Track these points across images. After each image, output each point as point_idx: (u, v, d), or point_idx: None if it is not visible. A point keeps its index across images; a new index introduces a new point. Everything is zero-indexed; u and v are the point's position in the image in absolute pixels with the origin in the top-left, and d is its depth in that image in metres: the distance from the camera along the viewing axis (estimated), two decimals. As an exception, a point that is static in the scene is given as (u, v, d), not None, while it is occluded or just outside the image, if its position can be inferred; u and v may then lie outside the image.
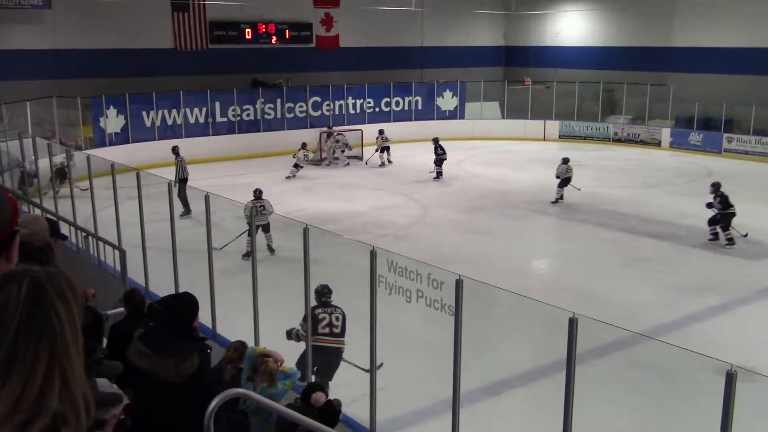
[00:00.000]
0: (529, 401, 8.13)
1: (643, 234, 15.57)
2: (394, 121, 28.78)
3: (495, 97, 31.55)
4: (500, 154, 25.90)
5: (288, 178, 21.51)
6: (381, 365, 7.06)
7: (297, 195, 19.30)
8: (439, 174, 21.37)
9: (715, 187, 15.04)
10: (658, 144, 27.75)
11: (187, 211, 15.53)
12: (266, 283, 8.31)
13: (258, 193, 14.11)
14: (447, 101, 30.35)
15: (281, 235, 13.70)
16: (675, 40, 29.64)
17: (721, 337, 9.97)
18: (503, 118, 30.63)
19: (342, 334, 7.72)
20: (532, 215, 17.45)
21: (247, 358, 5.59)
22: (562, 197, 18.40)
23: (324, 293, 7.86)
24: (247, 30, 28.26)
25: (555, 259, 14.82)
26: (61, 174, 15.66)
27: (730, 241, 14.54)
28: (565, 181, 18.53)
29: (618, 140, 28.74)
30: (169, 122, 24.31)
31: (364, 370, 7.11)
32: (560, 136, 29.61)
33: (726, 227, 14.61)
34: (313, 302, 7.58)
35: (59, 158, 15.98)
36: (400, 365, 8.33)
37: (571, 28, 34.01)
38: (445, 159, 21.41)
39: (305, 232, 7.04)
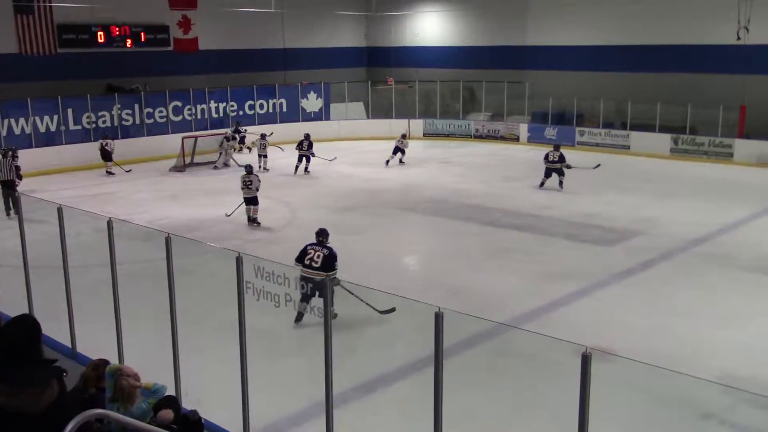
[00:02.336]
0: (402, 396, 8.20)
1: (506, 226, 16.14)
2: (259, 123, 28.42)
3: (359, 98, 31.84)
4: (367, 153, 26.12)
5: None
6: (393, 309, 9.51)
7: (161, 203, 18.66)
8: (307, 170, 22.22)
9: (556, 146, 20.68)
10: (516, 139, 28.92)
11: (7, 213, 15.95)
12: (130, 297, 7.96)
13: (248, 169, 16.39)
14: (312, 103, 30.30)
15: (145, 245, 13.15)
16: (528, 39, 31.01)
17: (581, 321, 10.48)
18: (368, 118, 30.97)
19: (321, 268, 9.69)
20: (401, 213, 17.70)
21: (108, 376, 5.30)
22: (388, 162, 23.41)
23: (320, 234, 10.28)
24: (99, 33, 27.01)
25: (424, 255, 15.08)
26: None
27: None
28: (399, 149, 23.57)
29: (479, 137, 29.74)
30: (17, 131, 22.80)
31: (378, 311, 9.61)
32: (424, 134, 30.26)
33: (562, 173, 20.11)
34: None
35: None
36: (272, 370, 8.22)
37: (430, 29, 34.83)
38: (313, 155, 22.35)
39: (167, 241, 6.80)
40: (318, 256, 9.86)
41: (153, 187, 20.64)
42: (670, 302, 11.28)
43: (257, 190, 15.91)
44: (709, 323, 10.46)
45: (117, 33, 27.52)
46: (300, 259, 9.90)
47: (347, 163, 24.60)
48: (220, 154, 23.99)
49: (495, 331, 9.22)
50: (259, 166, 22.66)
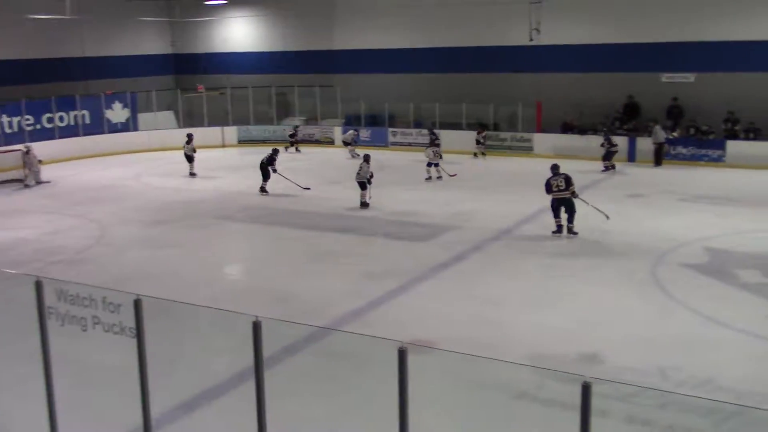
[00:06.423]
0: (227, 410, 7.99)
1: (327, 229, 16.23)
2: (60, 137, 26.69)
3: (169, 107, 30.79)
4: (180, 164, 25.23)
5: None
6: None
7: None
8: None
9: (605, 131, 24.07)
10: (332, 142, 29.25)
11: None
12: None
13: (365, 158, 18.75)
14: (117, 113, 28.85)
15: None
16: (336, 43, 31.44)
17: (401, 316, 10.74)
18: (179, 127, 29.96)
19: (565, 188, 14.74)
20: (219, 223, 17.30)
21: None
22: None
23: (554, 167, 15.25)
24: None
25: (245, 264, 14.83)
26: None
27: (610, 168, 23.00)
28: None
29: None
30: None
31: (586, 203, 15.52)
32: (239, 141, 29.87)
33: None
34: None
35: None
36: (84, 399, 7.71)
37: (239, 35, 34.38)
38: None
39: (-49, 270, 6.20)
40: (561, 182, 14.77)
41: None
42: (483, 291, 11.84)
43: (365, 177, 18.10)
44: (519, 308, 11.10)
45: None
46: (549, 189, 14.86)
47: (158, 175, 23.72)
48: (28, 170, 22.14)
49: (318, 335, 9.21)
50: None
